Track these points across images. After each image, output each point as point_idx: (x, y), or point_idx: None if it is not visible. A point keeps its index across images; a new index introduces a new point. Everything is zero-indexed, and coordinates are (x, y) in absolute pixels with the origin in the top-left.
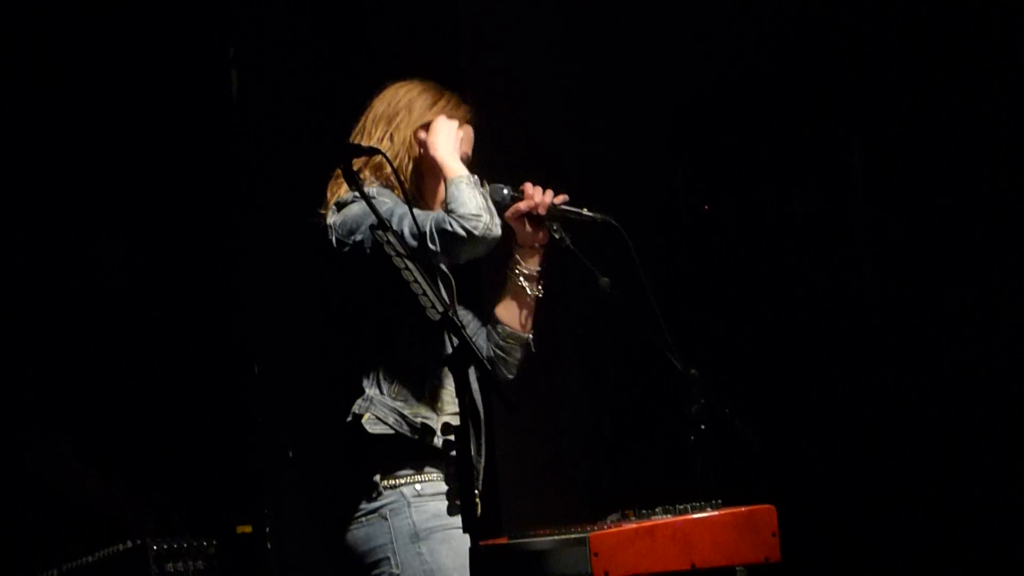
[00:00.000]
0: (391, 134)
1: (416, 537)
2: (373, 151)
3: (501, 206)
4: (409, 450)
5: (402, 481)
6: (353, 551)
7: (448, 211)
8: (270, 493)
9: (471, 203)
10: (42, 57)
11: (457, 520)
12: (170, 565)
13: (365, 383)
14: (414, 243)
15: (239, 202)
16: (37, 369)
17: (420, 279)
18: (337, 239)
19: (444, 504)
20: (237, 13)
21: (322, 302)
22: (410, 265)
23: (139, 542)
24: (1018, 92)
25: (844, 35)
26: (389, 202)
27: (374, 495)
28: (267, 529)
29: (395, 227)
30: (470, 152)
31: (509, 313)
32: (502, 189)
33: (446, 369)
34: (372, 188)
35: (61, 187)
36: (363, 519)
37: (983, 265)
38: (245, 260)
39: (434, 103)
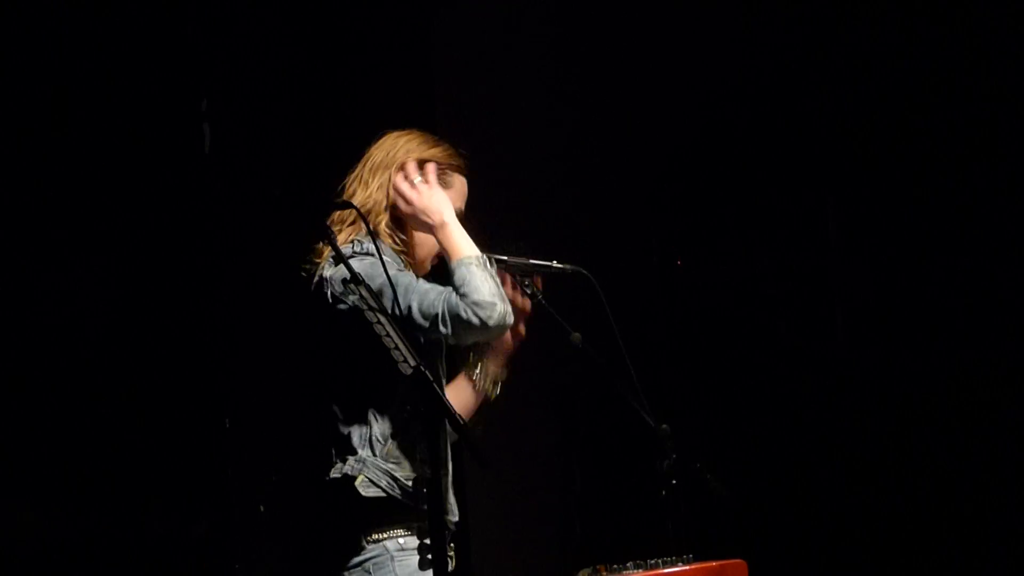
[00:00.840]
0: (389, 185)
1: None
2: (346, 205)
3: None
4: (398, 510)
5: (386, 536)
6: None
7: (460, 295)
8: (242, 547)
9: (484, 288)
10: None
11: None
12: None
13: (356, 442)
14: (424, 323)
15: (216, 251)
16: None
17: (392, 333)
18: (332, 294)
19: (414, 560)
20: (209, 66)
21: (309, 357)
22: (382, 319)
23: None
24: (989, 142)
25: (816, 91)
26: (395, 266)
27: (357, 549)
28: None
29: (402, 300)
30: (462, 206)
31: (457, 400)
32: None
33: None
34: (365, 242)
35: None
36: (345, 573)
37: (959, 323)
38: (220, 307)
39: (447, 160)
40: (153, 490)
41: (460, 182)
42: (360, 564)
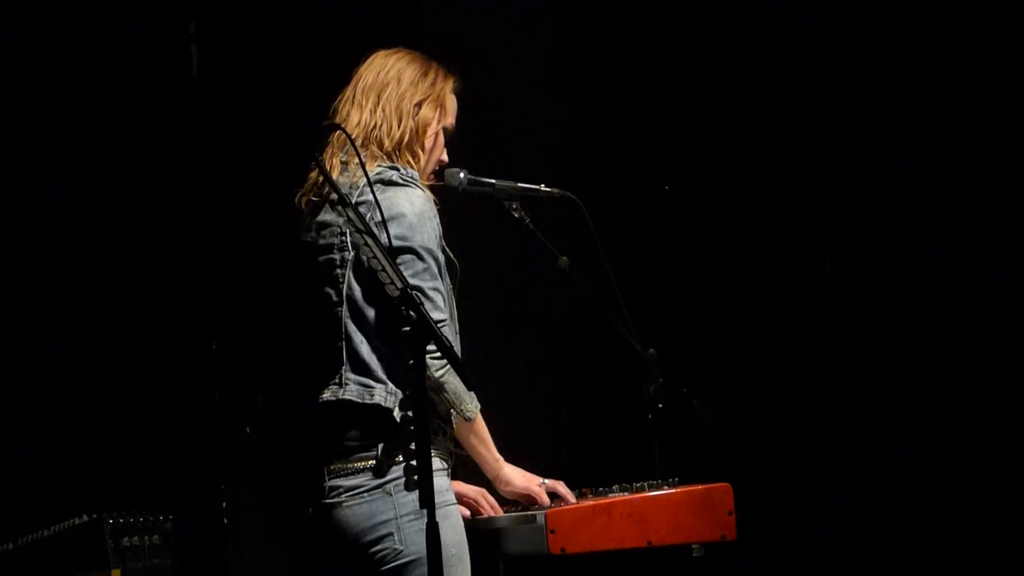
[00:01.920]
0: (382, 105)
1: (420, 513)
2: (333, 127)
3: (457, 190)
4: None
5: (408, 458)
6: (348, 527)
7: (455, 406)
8: (228, 469)
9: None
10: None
11: (452, 497)
12: (126, 539)
13: (381, 374)
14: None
15: (206, 174)
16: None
17: (380, 254)
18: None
19: (445, 480)
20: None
21: (322, 283)
22: (369, 241)
23: (95, 516)
24: (984, 83)
25: (806, 22)
26: (438, 230)
27: (379, 471)
28: (224, 504)
29: (403, 278)
30: (453, 123)
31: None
32: (458, 173)
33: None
34: (410, 169)
35: (32, 161)
36: (365, 495)
37: (949, 256)
38: (211, 229)
39: (423, 74)
40: (142, 411)
41: (451, 100)
42: (381, 486)
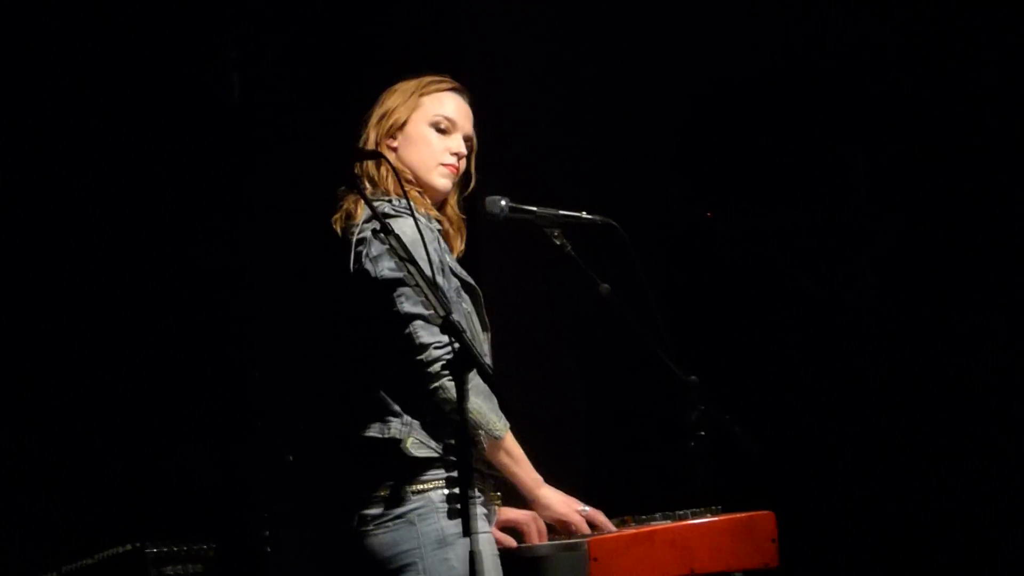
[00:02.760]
0: (367, 135)
1: (444, 542)
2: (376, 155)
3: (499, 217)
4: (444, 465)
5: (430, 486)
6: (376, 555)
7: (482, 425)
8: (269, 497)
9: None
10: (40, 58)
11: (484, 524)
12: (168, 568)
13: (396, 406)
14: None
15: (244, 203)
16: (37, 368)
17: (421, 282)
18: (370, 256)
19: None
20: (239, 16)
21: (345, 317)
22: (412, 269)
23: (136, 545)
24: (1017, 98)
25: (848, 44)
26: (428, 227)
27: (402, 500)
28: (266, 533)
29: (446, 305)
30: (471, 130)
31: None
32: (499, 201)
33: None
34: (402, 200)
35: (63, 188)
36: (389, 524)
37: (986, 275)
38: (249, 263)
39: (411, 92)
40: (184, 438)
41: (459, 104)
42: (404, 515)
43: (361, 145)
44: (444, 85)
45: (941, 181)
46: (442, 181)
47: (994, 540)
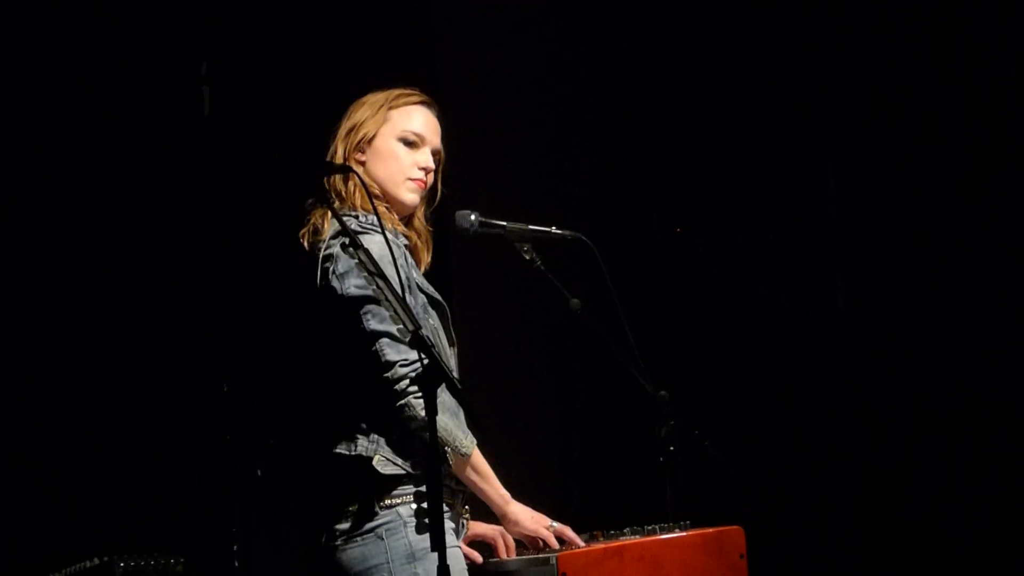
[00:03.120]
0: (333, 149)
1: (412, 557)
2: (345, 169)
3: (469, 232)
4: (412, 481)
5: (398, 501)
6: (345, 570)
7: (449, 442)
8: (239, 512)
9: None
10: (26, 60)
11: (452, 539)
12: None
13: (364, 420)
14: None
15: (216, 215)
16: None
17: (391, 297)
18: (336, 272)
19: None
20: (210, 30)
21: (312, 332)
22: (381, 284)
23: (106, 559)
24: (994, 108)
25: (818, 58)
26: (402, 272)
27: (370, 515)
28: (235, 548)
29: (415, 320)
30: (439, 143)
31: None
32: (469, 215)
33: None
34: (370, 216)
35: (33, 207)
36: (358, 539)
37: (959, 288)
38: (221, 277)
39: (380, 105)
40: (152, 451)
41: (427, 116)
42: (373, 530)
43: (329, 158)
44: (413, 99)
45: (914, 194)
46: (410, 196)
47: (969, 556)
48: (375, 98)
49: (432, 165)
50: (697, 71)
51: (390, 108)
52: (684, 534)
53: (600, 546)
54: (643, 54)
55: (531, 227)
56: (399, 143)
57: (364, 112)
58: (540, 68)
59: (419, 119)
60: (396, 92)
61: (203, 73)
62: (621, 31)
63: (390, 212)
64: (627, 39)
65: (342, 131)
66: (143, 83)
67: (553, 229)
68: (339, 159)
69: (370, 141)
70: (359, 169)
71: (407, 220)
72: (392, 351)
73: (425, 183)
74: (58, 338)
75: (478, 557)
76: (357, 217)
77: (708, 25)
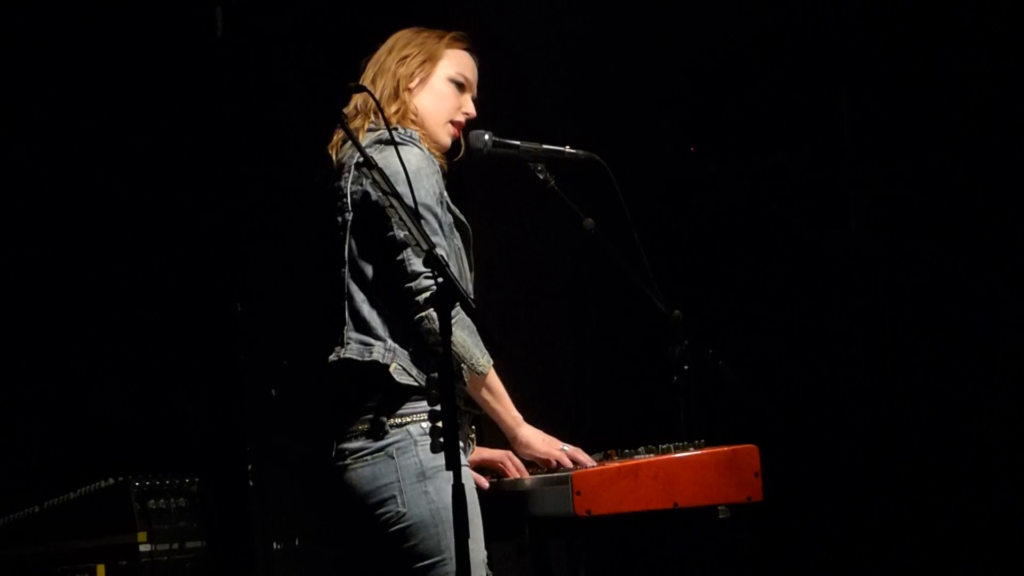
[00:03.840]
0: (377, 72)
1: (423, 476)
2: (360, 89)
3: (483, 152)
4: (423, 396)
5: (409, 420)
6: (355, 490)
7: (465, 360)
8: (253, 431)
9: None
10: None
11: (463, 458)
12: (152, 502)
13: (379, 328)
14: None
15: (230, 136)
16: (20, 308)
17: (405, 216)
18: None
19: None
20: None
21: (331, 244)
22: (395, 203)
23: (121, 479)
24: (1008, 37)
25: None
26: (436, 187)
27: (380, 434)
28: (250, 467)
29: (431, 236)
30: (464, 76)
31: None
32: (483, 135)
33: None
34: (410, 129)
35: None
36: (368, 458)
37: (975, 219)
38: (233, 200)
39: (415, 35)
40: (167, 374)
41: (466, 59)
42: (383, 449)
43: (371, 82)
44: (466, 43)
45: (928, 124)
46: (446, 138)
47: (983, 484)
48: (428, 34)
49: (475, 112)
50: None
51: (447, 47)
52: (698, 452)
53: (615, 465)
54: None
55: (545, 146)
56: (450, 83)
57: (418, 45)
58: None
59: (469, 64)
60: (451, 34)
61: None
62: None
63: (426, 138)
64: None
65: (390, 56)
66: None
67: (567, 149)
68: (388, 82)
69: (424, 74)
70: (405, 96)
71: None
72: (417, 261)
73: (461, 128)
74: (75, 266)
75: (484, 482)
76: (397, 129)
77: None
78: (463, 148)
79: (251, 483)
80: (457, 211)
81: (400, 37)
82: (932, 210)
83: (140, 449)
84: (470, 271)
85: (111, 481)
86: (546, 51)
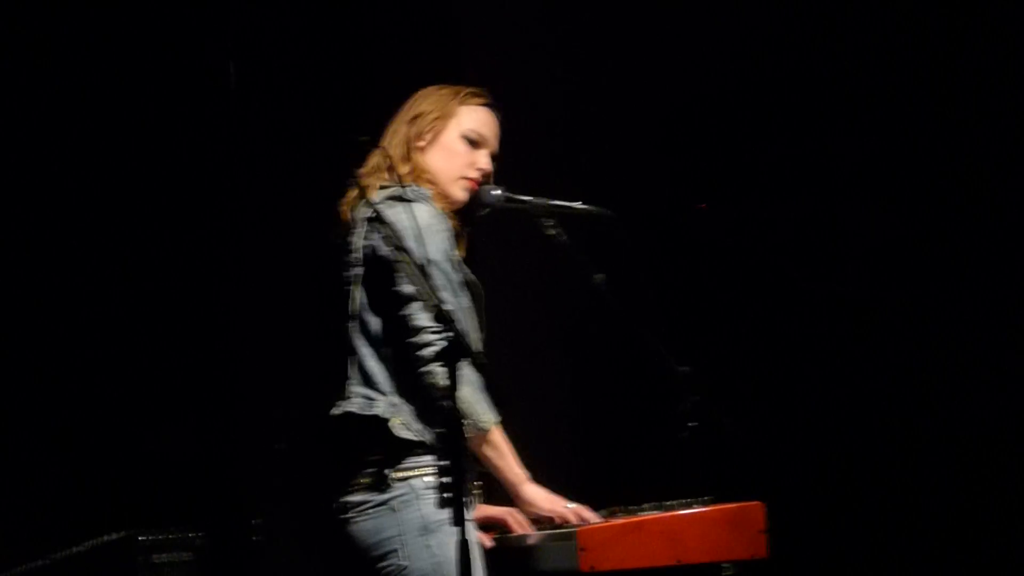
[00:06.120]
0: (394, 130)
1: (425, 530)
2: (372, 144)
3: (493, 207)
4: (426, 451)
5: (412, 473)
6: (359, 543)
7: (470, 416)
8: (259, 485)
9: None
10: (36, 48)
11: (468, 514)
12: (158, 556)
13: (383, 383)
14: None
15: (240, 187)
16: (25, 356)
17: (415, 270)
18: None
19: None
20: (235, 6)
21: (339, 298)
22: (404, 258)
23: (125, 533)
24: (1012, 92)
25: (833, 37)
26: (445, 244)
27: (383, 487)
28: (255, 521)
29: (438, 292)
30: (496, 148)
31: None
32: (494, 190)
33: None
34: (417, 186)
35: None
36: (371, 511)
37: (980, 265)
38: (239, 252)
39: (433, 91)
40: (173, 427)
41: (488, 118)
42: (386, 503)
43: (387, 140)
44: (482, 99)
45: (928, 171)
46: (460, 194)
47: (990, 534)
48: (444, 91)
49: (490, 167)
50: (718, 47)
51: (460, 104)
52: (705, 509)
53: (620, 521)
54: (664, 32)
55: (555, 202)
56: (462, 140)
57: (432, 103)
58: (563, 45)
59: (486, 119)
60: (467, 89)
61: (229, 47)
62: (642, 10)
63: (439, 198)
64: (648, 18)
65: (405, 115)
66: (168, 55)
67: (578, 204)
68: (400, 143)
69: (434, 132)
70: (416, 155)
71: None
72: (423, 317)
73: (477, 184)
74: (77, 310)
75: (487, 540)
76: (409, 187)
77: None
78: (478, 212)
79: (256, 537)
80: (468, 271)
81: (418, 96)
82: (938, 257)
83: (145, 503)
84: (481, 331)
85: (116, 535)
86: (555, 109)
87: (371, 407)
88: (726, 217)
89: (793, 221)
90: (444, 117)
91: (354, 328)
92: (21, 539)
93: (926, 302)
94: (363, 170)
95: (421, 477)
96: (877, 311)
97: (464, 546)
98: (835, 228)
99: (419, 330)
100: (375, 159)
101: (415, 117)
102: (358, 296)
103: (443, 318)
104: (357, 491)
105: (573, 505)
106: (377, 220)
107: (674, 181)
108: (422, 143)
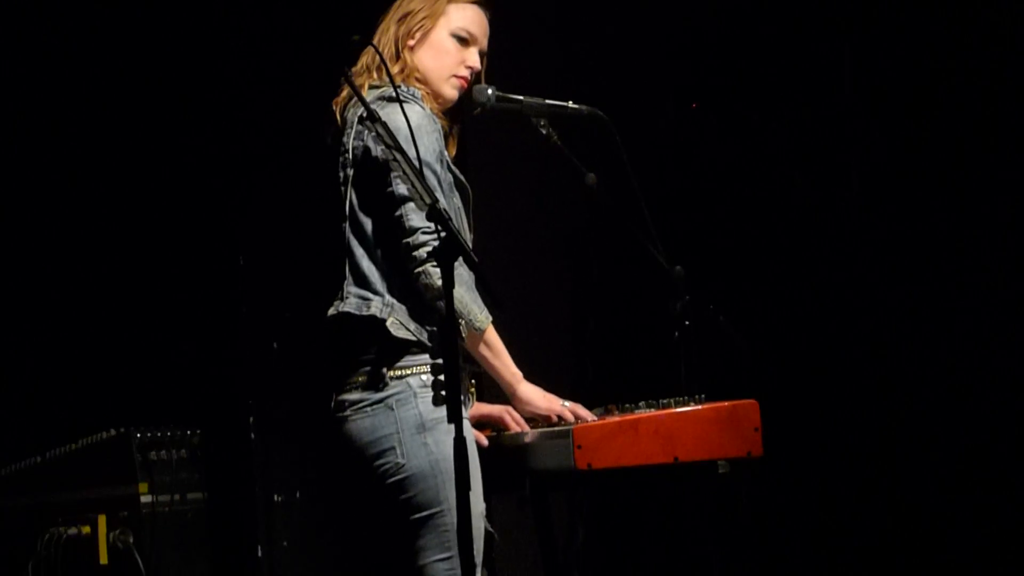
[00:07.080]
0: (383, 29)
1: (422, 427)
2: (364, 43)
3: (485, 106)
4: (422, 350)
5: (408, 372)
6: (355, 441)
7: (464, 316)
8: (255, 384)
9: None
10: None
11: (464, 411)
12: (153, 453)
13: (378, 283)
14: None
15: (236, 90)
16: (24, 255)
17: (408, 170)
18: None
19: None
20: None
21: (333, 199)
22: (399, 157)
23: (122, 430)
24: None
25: None
26: (436, 145)
27: (380, 385)
28: (251, 419)
29: (431, 193)
30: (486, 45)
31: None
32: (486, 90)
33: None
34: (411, 87)
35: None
36: (368, 409)
37: (972, 181)
38: (236, 150)
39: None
40: (169, 326)
41: (455, 7)
42: (383, 401)
43: (377, 38)
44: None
45: (931, 81)
46: (451, 92)
47: (984, 456)
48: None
49: (479, 66)
50: None
51: (449, 2)
52: (699, 407)
53: (615, 419)
54: None
55: (548, 102)
56: (452, 38)
57: (421, 2)
58: None
59: (475, 18)
60: None
61: None
62: None
63: (429, 98)
64: None
65: (395, 14)
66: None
67: (570, 104)
68: (390, 42)
69: (424, 30)
70: (406, 54)
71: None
72: (416, 217)
73: (468, 82)
74: (79, 214)
75: (483, 438)
76: (400, 87)
77: None
78: (467, 111)
79: (252, 435)
80: (457, 172)
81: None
82: (935, 168)
83: (141, 401)
84: (470, 232)
85: (112, 432)
86: (551, 8)
87: (367, 307)
88: (719, 119)
89: (789, 124)
90: (433, 16)
91: (348, 229)
92: (18, 437)
93: (922, 209)
94: (354, 68)
95: (418, 375)
96: (873, 215)
97: (461, 443)
98: (832, 133)
99: (413, 230)
100: (366, 58)
101: (404, 16)
102: (351, 197)
103: (436, 217)
104: (354, 390)
105: (569, 403)
106: (369, 119)
107: (666, 80)
108: (412, 42)
